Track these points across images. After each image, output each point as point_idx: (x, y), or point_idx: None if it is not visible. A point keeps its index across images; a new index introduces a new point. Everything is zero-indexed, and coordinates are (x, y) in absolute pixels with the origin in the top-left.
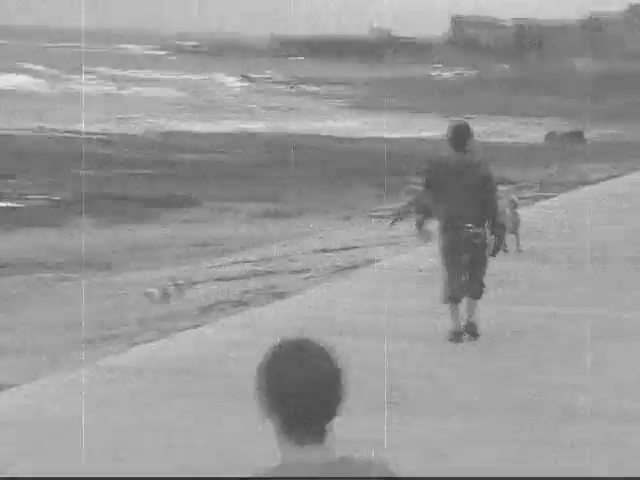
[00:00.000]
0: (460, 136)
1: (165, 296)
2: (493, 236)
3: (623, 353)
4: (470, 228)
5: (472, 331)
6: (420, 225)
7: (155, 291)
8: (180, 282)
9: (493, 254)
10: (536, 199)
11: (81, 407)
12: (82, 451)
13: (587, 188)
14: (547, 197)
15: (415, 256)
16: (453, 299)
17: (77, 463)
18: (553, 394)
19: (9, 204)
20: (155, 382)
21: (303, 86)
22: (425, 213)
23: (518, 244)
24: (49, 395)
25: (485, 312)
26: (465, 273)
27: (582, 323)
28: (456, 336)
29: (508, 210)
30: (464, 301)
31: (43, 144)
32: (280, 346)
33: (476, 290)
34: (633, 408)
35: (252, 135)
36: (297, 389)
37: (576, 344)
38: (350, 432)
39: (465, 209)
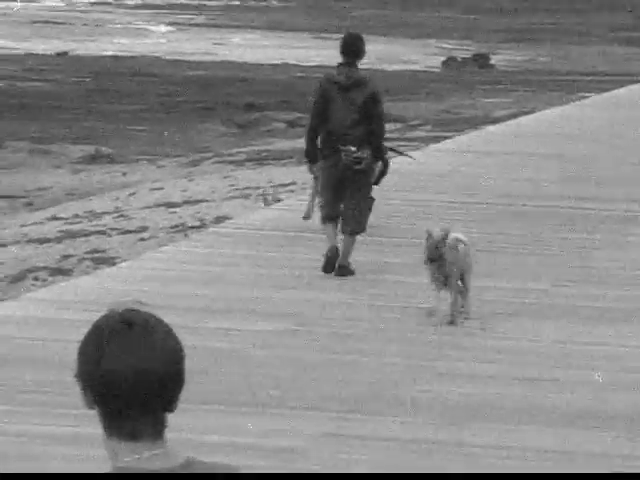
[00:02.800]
0: (351, 47)
1: None
2: (378, 161)
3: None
4: (353, 152)
5: (342, 274)
6: (311, 155)
7: None
8: None
9: (377, 182)
10: (426, 141)
11: None
12: None
13: (491, 128)
14: (440, 139)
15: (280, 212)
16: (328, 218)
17: None
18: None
19: None
20: None
21: None
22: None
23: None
24: None
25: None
26: (342, 201)
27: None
28: (329, 260)
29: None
30: (340, 240)
31: None
32: (104, 318)
33: (354, 224)
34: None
35: (72, 58)
36: (126, 369)
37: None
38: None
39: (348, 129)
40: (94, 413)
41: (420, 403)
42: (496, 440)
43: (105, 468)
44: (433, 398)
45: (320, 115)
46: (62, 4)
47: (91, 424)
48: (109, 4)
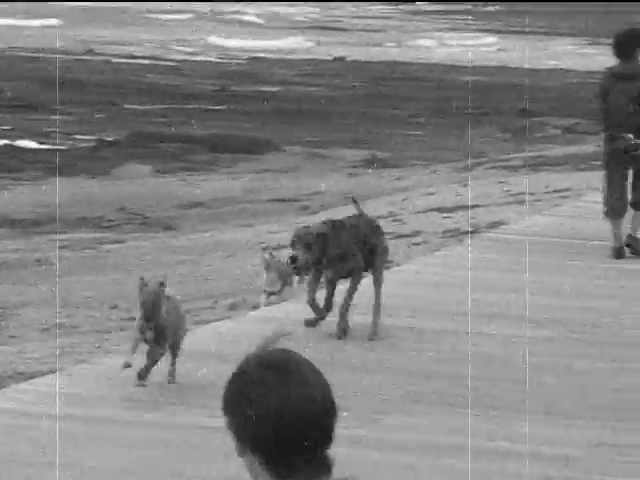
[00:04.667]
0: (627, 42)
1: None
2: None
3: None
4: (631, 140)
5: (636, 247)
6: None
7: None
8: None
9: None
10: None
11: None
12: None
13: None
14: None
15: (555, 217)
16: (612, 213)
17: None
18: None
19: (50, 146)
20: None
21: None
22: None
23: None
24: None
25: None
26: (626, 185)
27: None
28: (616, 252)
29: None
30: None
31: (92, 71)
32: (252, 365)
33: None
34: None
35: (349, 63)
36: (288, 415)
37: None
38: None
39: (625, 119)
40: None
41: None
42: None
43: None
44: None
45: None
46: (350, 10)
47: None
48: (386, 10)
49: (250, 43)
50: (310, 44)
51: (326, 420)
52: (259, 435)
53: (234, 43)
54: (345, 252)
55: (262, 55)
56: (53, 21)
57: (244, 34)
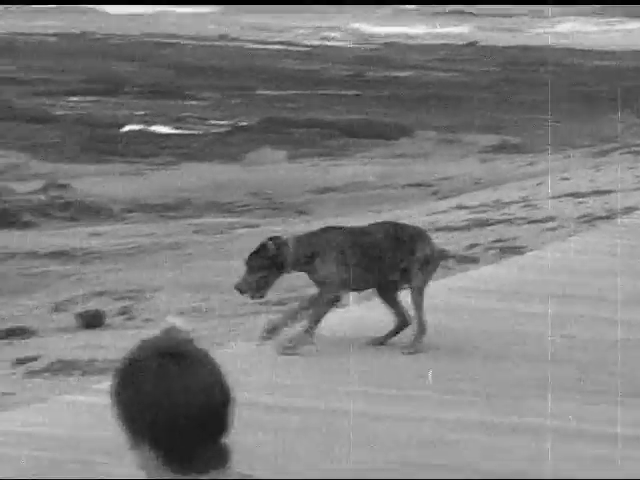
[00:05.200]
0: None
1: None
2: None
3: None
4: None
5: None
6: None
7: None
8: None
9: None
10: None
11: None
12: None
13: None
14: None
15: None
16: None
17: None
18: None
19: (184, 131)
20: None
21: None
22: None
23: None
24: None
25: None
26: None
27: None
28: None
29: None
30: None
31: (226, 57)
32: (146, 354)
33: None
34: None
35: (481, 48)
36: (185, 405)
37: None
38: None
39: None
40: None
41: None
42: None
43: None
44: None
45: None
46: None
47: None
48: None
49: (384, 29)
50: (443, 30)
51: (223, 409)
52: (154, 426)
53: (368, 29)
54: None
55: (396, 40)
56: (188, 9)
57: (378, 20)
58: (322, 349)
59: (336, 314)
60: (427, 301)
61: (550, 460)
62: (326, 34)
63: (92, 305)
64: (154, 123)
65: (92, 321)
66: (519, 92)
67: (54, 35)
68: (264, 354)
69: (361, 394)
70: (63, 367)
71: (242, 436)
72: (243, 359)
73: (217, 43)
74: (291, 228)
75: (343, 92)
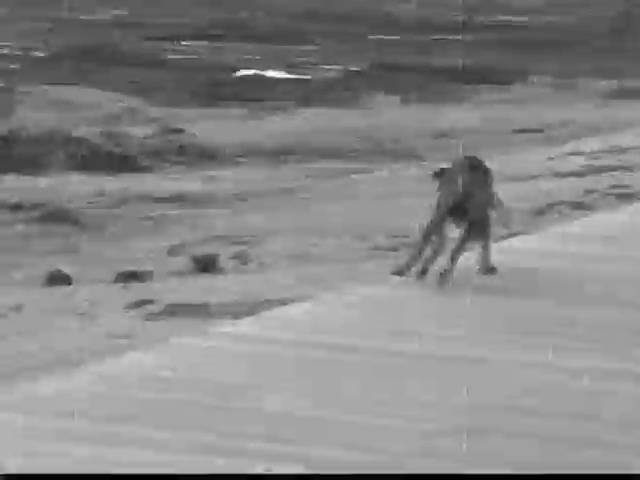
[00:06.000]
0: None
1: None
2: None
3: None
4: None
5: None
6: None
7: None
8: None
9: None
10: None
11: None
12: None
13: None
14: None
15: None
16: None
17: None
18: None
19: (298, 76)
20: None
21: None
22: None
23: None
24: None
25: None
26: None
27: None
28: None
29: None
30: None
31: (338, 2)
32: None
33: None
34: None
35: None
36: None
37: None
38: None
39: None
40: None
41: None
42: None
43: None
44: None
45: None
46: None
47: None
48: None
49: None
50: None
51: None
52: None
53: None
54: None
55: None
56: None
57: None
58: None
59: None
60: (542, 247)
61: None
62: None
63: (207, 249)
64: (267, 68)
65: (207, 265)
66: (637, 38)
67: None
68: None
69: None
70: (179, 310)
71: None
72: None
73: None
74: (405, 173)
75: (456, 37)
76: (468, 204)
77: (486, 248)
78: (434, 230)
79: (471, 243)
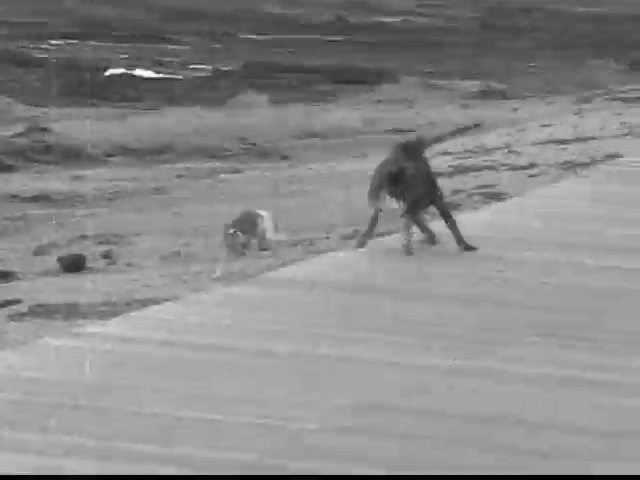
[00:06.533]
0: None
1: None
2: None
3: None
4: None
5: None
6: None
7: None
8: None
9: None
10: None
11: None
12: None
13: None
14: None
15: None
16: None
17: None
18: None
19: (165, 75)
20: None
21: None
22: None
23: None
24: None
25: None
26: None
27: None
28: None
29: None
30: None
31: (209, 1)
32: None
33: None
34: None
35: None
36: None
37: None
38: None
39: None
40: None
41: None
42: None
43: None
44: None
45: None
46: None
47: None
48: None
49: None
50: None
51: None
52: None
53: None
54: None
55: None
56: None
57: None
58: None
59: None
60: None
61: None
62: None
63: (75, 249)
64: (137, 67)
65: (74, 265)
66: (504, 38)
67: None
68: None
69: None
70: (45, 311)
71: None
72: None
73: None
74: (274, 174)
75: (327, 37)
76: (400, 177)
77: (453, 226)
78: (376, 194)
79: (413, 215)
